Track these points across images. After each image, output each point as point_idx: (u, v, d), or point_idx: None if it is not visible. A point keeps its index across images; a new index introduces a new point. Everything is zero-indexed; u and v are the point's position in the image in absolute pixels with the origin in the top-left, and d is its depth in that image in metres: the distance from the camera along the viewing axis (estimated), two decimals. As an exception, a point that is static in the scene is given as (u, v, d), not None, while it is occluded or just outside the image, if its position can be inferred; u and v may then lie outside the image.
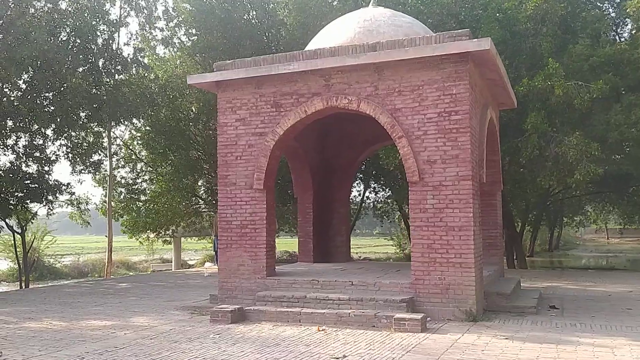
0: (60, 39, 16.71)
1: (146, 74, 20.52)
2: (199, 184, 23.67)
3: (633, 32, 20.23)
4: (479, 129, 9.87)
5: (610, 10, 21.02)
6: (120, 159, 23.54)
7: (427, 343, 7.32)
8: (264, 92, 10.32)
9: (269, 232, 10.31)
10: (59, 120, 17.21)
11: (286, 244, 34.10)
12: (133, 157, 23.73)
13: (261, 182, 10.19)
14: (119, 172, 23.74)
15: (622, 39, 19.39)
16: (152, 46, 21.89)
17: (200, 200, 24.06)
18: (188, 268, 28.65)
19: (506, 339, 7.53)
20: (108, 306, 11.17)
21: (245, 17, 20.58)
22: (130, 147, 23.75)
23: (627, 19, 20.36)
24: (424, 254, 9.13)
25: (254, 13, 20.34)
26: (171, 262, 31.26)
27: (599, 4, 21.15)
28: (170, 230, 24.67)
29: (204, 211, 24.31)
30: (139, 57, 19.20)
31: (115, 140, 22.93)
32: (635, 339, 7.45)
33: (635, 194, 26.02)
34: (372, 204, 27.50)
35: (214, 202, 22.54)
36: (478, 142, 9.71)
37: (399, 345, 7.23)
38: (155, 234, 24.54)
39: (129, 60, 18.50)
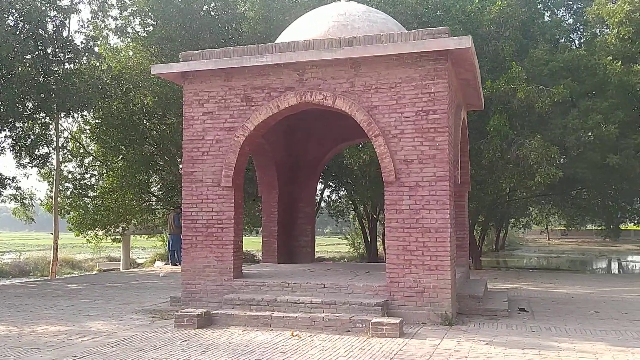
0: (7, 24, 15.66)
1: (98, 64, 19.56)
2: (153, 180, 22.77)
3: (583, 39, 20.76)
4: (454, 129, 9.72)
5: (567, 16, 21.49)
6: (67, 153, 22.38)
7: (408, 349, 7.07)
8: (234, 85, 9.86)
9: (237, 232, 9.86)
10: (2, 109, 16.15)
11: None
12: (81, 150, 22.64)
13: (230, 179, 9.72)
14: (66, 166, 22.60)
15: (580, 45, 19.73)
16: (104, 35, 20.87)
17: (153, 197, 23.19)
18: (137, 267, 27.65)
19: (486, 344, 7.36)
20: (59, 309, 10.45)
21: (205, 9, 19.92)
22: (79, 141, 22.65)
23: (581, 26, 20.87)
24: (399, 256, 8.89)
25: (214, 5, 19.70)
26: (119, 261, 30.15)
27: (555, 10, 21.60)
28: (120, 228, 23.70)
29: (157, 208, 23.45)
30: (92, 45, 18.25)
31: (63, 133, 21.79)
32: (613, 343, 7.42)
33: (578, 196, 26.72)
34: (328, 202, 27.24)
35: (168, 199, 21.81)
36: (454, 143, 9.55)
37: (380, 351, 6.95)
38: (103, 231, 23.51)
39: (81, 48, 17.54)
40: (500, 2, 16.31)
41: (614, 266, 33.09)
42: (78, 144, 22.34)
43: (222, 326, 8.65)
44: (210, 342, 7.59)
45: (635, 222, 26.79)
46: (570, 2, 21.13)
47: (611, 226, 25.43)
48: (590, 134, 16.49)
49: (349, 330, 8.18)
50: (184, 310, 8.82)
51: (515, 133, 16.23)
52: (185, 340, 7.68)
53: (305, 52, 9.26)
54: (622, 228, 30.85)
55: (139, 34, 21.07)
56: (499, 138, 15.74)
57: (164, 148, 20.64)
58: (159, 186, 22.95)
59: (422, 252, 8.78)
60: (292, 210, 13.32)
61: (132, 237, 28.06)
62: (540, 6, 21.12)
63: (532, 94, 15.51)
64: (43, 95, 16.58)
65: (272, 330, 8.36)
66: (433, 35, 8.86)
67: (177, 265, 19.56)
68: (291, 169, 13.34)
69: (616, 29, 16.94)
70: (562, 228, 56.70)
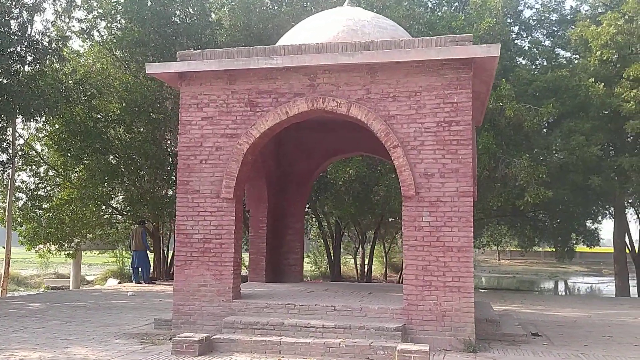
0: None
1: (62, 67, 18.32)
2: (116, 192, 21.35)
3: (560, 61, 20.97)
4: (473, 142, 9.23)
5: (542, 38, 21.67)
6: (22, 162, 20.81)
7: (448, 380, 6.42)
8: (237, 89, 9.09)
9: (237, 249, 9.02)
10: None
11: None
12: (36, 159, 21.10)
13: (231, 190, 8.90)
14: (19, 175, 21.01)
15: (558, 67, 19.82)
16: (66, 37, 19.52)
17: (114, 210, 21.75)
18: (86, 285, 26.02)
19: (527, 373, 6.80)
20: (30, 332, 9.28)
21: (177, 14, 19.01)
22: (34, 149, 21.14)
23: (559, 48, 21.08)
24: (418, 277, 8.27)
25: (191, 10, 18.81)
26: (67, 277, 28.35)
27: (532, 33, 21.78)
28: (74, 243, 22.12)
29: (119, 222, 22.03)
30: (57, 46, 16.99)
31: (18, 140, 20.27)
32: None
33: (534, 218, 26.81)
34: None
35: (131, 212, 20.52)
36: (473, 157, 9.06)
37: (419, 383, 6.27)
38: (57, 246, 21.91)
39: (50, 49, 16.30)
40: (489, 19, 16.14)
41: (582, 287, 33.53)
42: (34, 152, 20.84)
43: (225, 353, 7.79)
44: (222, 372, 6.73)
45: (588, 243, 26.99)
46: (548, 25, 21.33)
47: (565, 248, 25.25)
48: (573, 155, 16.47)
49: (368, 358, 7.48)
50: (182, 335, 7.90)
51: (501, 152, 16.01)
52: (193, 370, 6.79)
53: (320, 55, 8.60)
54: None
55: (104, 37, 19.98)
56: (487, 156, 15.44)
57: (130, 158, 19.43)
58: (122, 198, 21.58)
59: (444, 273, 8.19)
60: (280, 226, 12.53)
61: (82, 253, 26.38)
62: (516, 28, 21.28)
63: (521, 113, 15.34)
64: (3, 97, 15.24)
65: (283, 358, 7.55)
66: (456, 42, 8.38)
67: (140, 283, 18.34)
68: (280, 182, 12.58)
69: (599, 52, 17.06)
70: (513, 249, 57.61)
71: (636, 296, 21.73)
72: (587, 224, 25.65)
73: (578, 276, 46.76)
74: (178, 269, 9.09)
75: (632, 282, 23.25)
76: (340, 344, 7.66)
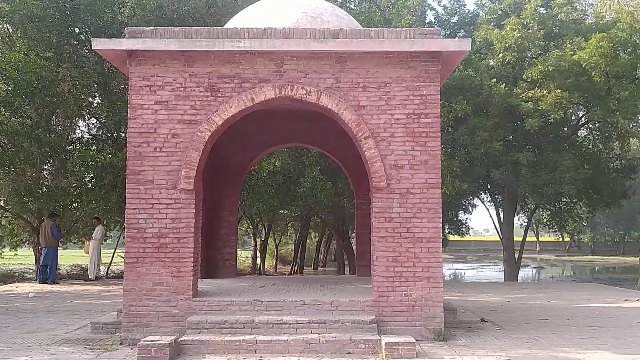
0: None
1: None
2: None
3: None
4: (431, 135, 9.37)
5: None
6: None
7: (446, 371, 6.46)
8: (196, 72, 8.45)
9: (196, 244, 8.42)
10: None
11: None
12: None
13: (191, 180, 8.27)
14: None
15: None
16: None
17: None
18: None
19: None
20: (-55, 344, 8.01)
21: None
22: None
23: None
24: (389, 268, 8.26)
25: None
26: None
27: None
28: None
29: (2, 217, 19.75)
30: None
31: None
32: (614, 351, 7.57)
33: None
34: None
35: (20, 204, 18.47)
36: (436, 149, 9.19)
37: (422, 375, 6.25)
38: None
39: None
40: (408, 17, 16.54)
41: (469, 274, 35.54)
42: None
43: (196, 356, 7.24)
44: (212, 377, 6.23)
45: (460, 233, 28.94)
46: (450, 26, 22.35)
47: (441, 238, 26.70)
48: (479, 150, 17.43)
49: (349, 352, 7.33)
50: (148, 339, 7.21)
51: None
52: (179, 377, 6.22)
53: (291, 40, 8.24)
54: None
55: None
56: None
57: (18, 145, 17.45)
58: (7, 190, 19.36)
59: (414, 263, 8.25)
60: (214, 219, 11.93)
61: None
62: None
63: (437, 109, 15.89)
64: None
65: (261, 357, 7.16)
66: (425, 35, 8.44)
67: (46, 283, 16.44)
68: (213, 174, 11.95)
69: (501, 54, 18.18)
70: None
71: (516, 280, 23.40)
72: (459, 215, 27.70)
73: (448, 263, 49.68)
74: (129, 267, 8.28)
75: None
76: (319, 339, 7.43)
